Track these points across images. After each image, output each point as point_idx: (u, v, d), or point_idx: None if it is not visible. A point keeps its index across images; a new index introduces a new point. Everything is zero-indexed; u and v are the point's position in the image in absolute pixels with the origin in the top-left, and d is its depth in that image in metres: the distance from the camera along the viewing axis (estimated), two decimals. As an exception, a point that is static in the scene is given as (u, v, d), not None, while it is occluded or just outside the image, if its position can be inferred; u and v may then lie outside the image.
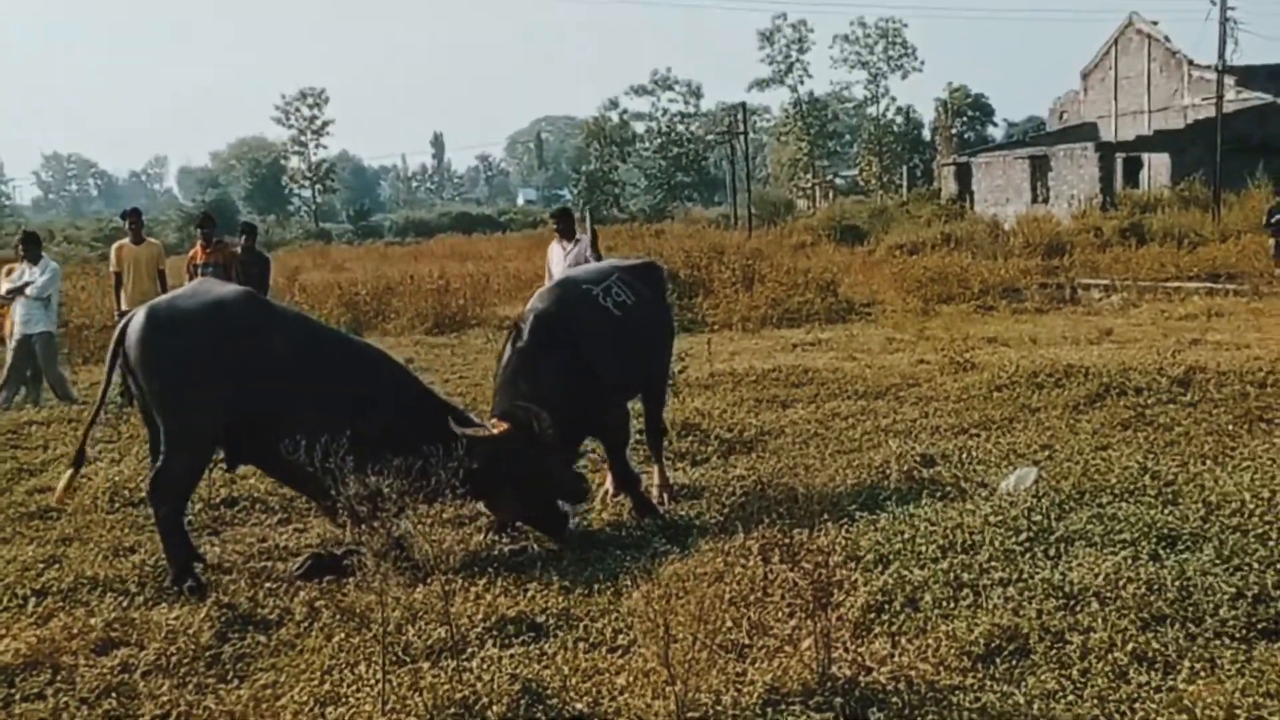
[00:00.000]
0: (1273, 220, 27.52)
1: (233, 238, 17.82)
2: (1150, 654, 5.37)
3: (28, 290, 14.53)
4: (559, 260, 13.56)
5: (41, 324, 14.60)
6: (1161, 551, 6.44)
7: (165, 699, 5.68)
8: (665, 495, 9.11)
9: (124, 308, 14.49)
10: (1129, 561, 6.29)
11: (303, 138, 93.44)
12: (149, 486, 7.49)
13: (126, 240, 15.18)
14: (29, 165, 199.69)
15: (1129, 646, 5.42)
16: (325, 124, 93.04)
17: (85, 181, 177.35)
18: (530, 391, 8.10)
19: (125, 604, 6.93)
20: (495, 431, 7.85)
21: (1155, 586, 5.96)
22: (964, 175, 54.02)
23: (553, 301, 8.73)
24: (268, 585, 7.32)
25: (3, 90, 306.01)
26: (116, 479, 9.69)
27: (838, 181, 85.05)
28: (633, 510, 8.72)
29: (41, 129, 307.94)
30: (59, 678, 5.90)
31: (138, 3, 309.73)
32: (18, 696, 5.70)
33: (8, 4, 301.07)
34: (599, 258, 13.43)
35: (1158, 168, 44.76)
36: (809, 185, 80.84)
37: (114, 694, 5.74)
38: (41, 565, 7.64)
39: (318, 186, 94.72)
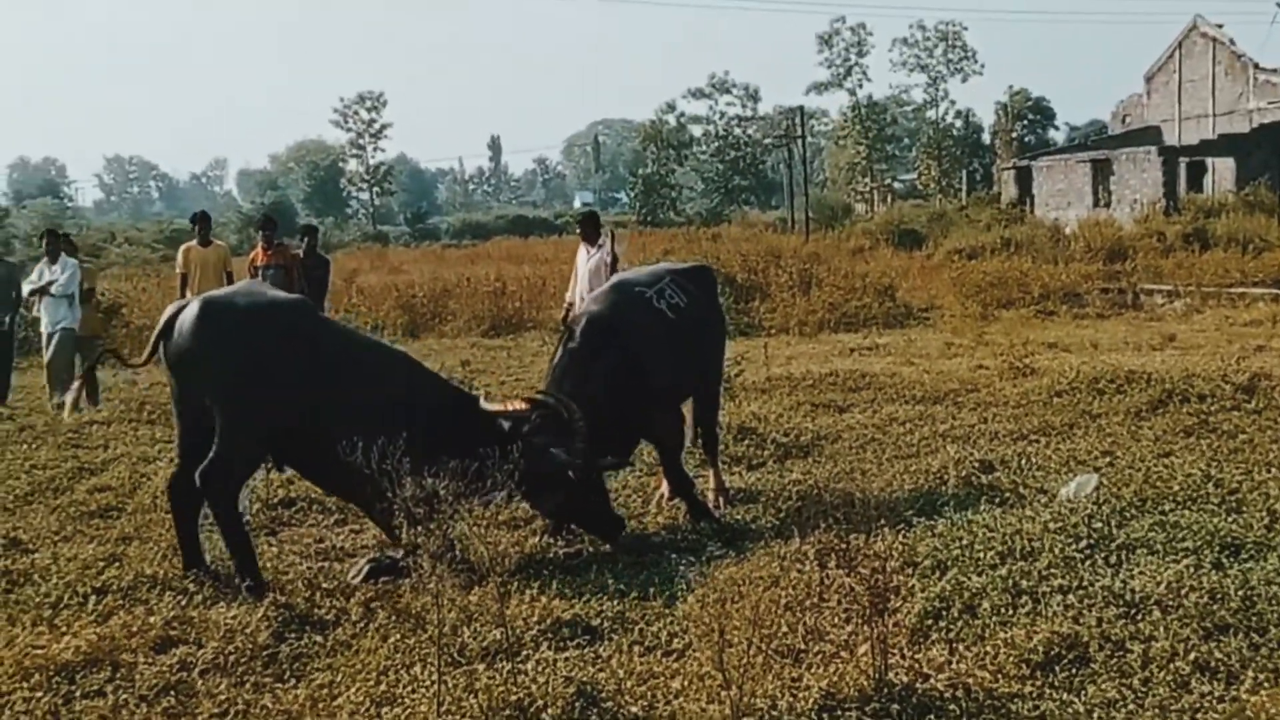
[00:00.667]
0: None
1: (293, 240, 17.95)
2: (1213, 663, 5.30)
3: (52, 289, 14.80)
4: (583, 263, 13.49)
5: (67, 320, 14.90)
6: (1225, 560, 6.36)
7: (223, 697, 5.72)
8: (721, 500, 9.09)
9: None
10: (1191, 570, 6.21)
11: (361, 140, 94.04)
12: (201, 480, 7.47)
13: (194, 242, 15.46)
14: (91, 168, 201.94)
15: (1191, 656, 5.34)
16: (383, 127, 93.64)
17: (146, 184, 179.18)
18: (575, 392, 8.09)
19: (184, 603, 6.98)
20: (514, 407, 7.90)
21: (1218, 595, 5.88)
22: (1024, 179, 53.56)
23: (606, 304, 8.75)
24: (324, 586, 7.35)
25: (66, 93, 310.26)
26: (176, 479, 9.76)
27: (896, 185, 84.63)
28: (687, 515, 8.70)
29: (103, 132, 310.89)
30: (118, 675, 5.94)
31: (198, 5, 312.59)
32: (78, 694, 5.75)
33: (67, 6, 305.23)
34: (615, 262, 13.44)
35: (1222, 172, 44.20)
36: (867, 189, 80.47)
37: (172, 692, 5.78)
38: (102, 563, 7.71)
39: (375, 189, 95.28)
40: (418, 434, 7.27)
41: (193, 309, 7.50)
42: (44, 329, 15.11)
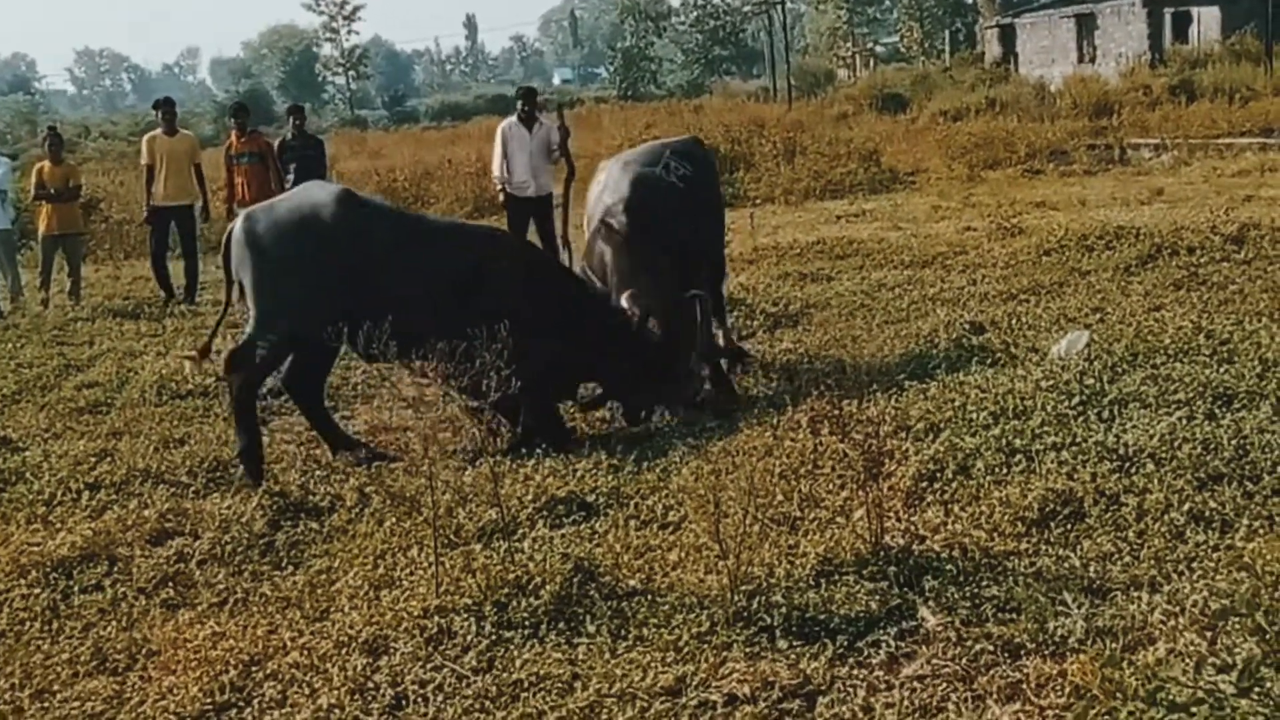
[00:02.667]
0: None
1: (266, 128, 17.65)
2: (1207, 513, 5.30)
3: None
4: (522, 144, 13.26)
5: (3, 220, 14.64)
6: (1217, 410, 6.35)
7: (221, 587, 5.74)
8: (740, 360, 9.34)
9: (157, 202, 14.42)
10: (1184, 422, 6.20)
11: (334, 24, 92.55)
12: (224, 360, 7.58)
13: (159, 131, 14.74)
14: (62, 62, 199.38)
15: (1185, 506, 5.35)
16: (356, 9, 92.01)
17: (118, 76, 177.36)
18: (652, 285, 8.08)
19: (178, 495, 6.99)
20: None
21: (1211, 446, 5.87)
22: (1008, 37, 52.95)
23: (634, 191, 8.62)
24: (318, 473, 7.35)
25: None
26: (164, 372, 9.75)
27: (878, 49, 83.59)
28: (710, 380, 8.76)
29: (73, 25, 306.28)
30: (116, 569, 5.96)
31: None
32: (76, 588, 5.77)
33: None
34: (565, 150, 13.39)
35: (1208, 22, 43.69)
36: (849, 54, 79.48)
37: (171, 583, 5.80)
38: (93, 459, 7.69)
39: (351, 73, 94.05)
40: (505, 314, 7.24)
41: (237, 223, 7.63)
42: None
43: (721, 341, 9.38)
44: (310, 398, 8.04)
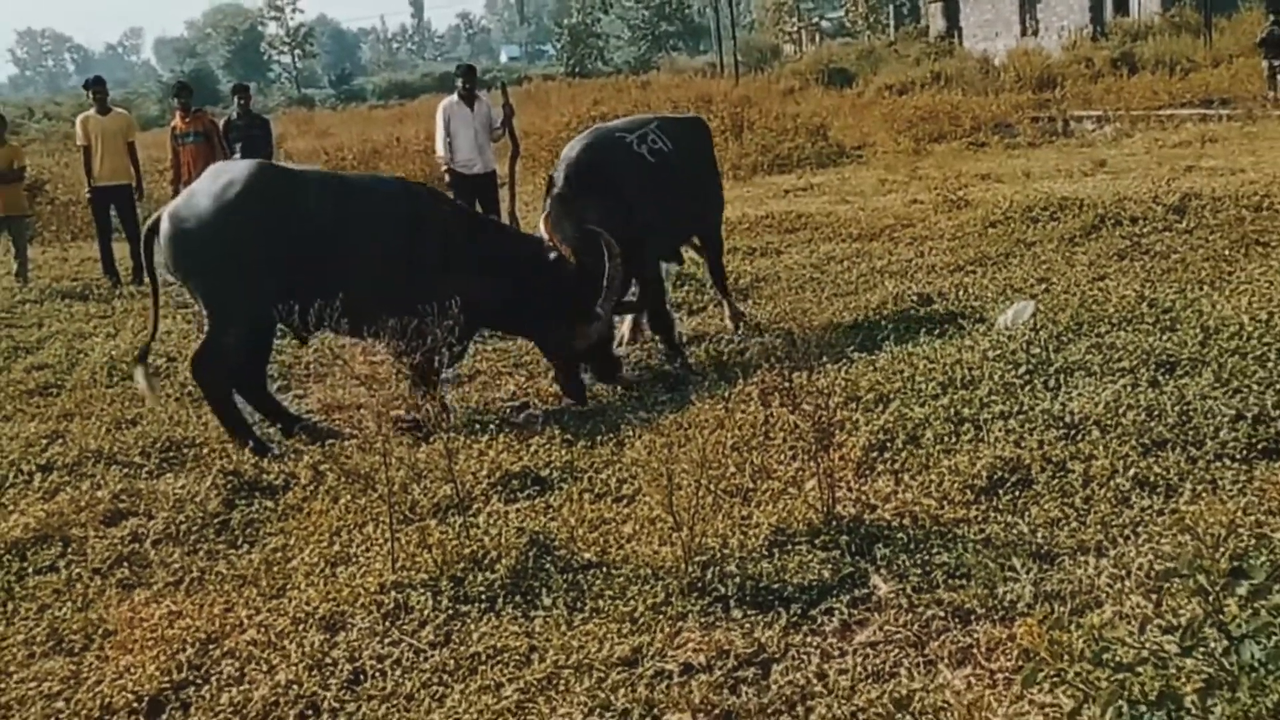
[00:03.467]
0: (1265, 42, 27.10)
1: (212, 108, 17.52)
2: (1152, 478, 5.40)
3: None
4: (464, 122, 13.28)
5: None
6: (1161, 378, 6.44)
7: (177, 566, 5.74)
8: (739, 324, 9.55)
9: (96, 183, 14.31)
10: (1129, 389, 6.30)
11: (279, 2, 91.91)
12: (191, 363, 7.55)
13: (92, 111, 14.63)
14: (3, 43, 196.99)
15: (1131, 472, 5.44)
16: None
17: (61, 57, 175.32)
18: (575, 236, 8.18)
19: (131, 475, 6.97)
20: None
21: (1155, 412, 5.97)
22: (952, 11, 53.08)
23: (584, 149, 8.77)
24: (273, 451, 7.34)
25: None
26: (114, 353, 9.70)
27: (824, 24, 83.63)
28: (664, 352, 8.92)
29: (13, 5, 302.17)
30: (70, 550, 5.96)
31: None
32: (30, 570, 5.76)
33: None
34: (510, 128, 13.47)
35: (1148, -6, 44.06)
36: (795, 29, 79.56)
37: (126, 563, 5.80)
38: (45, 441, 7.66)
39: (297, 52, 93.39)
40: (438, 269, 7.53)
41: (162, 220, 7.40)
42: None
43: (727, 312, 9.73)
44: (254, 382, 7.88)
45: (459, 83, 13.48)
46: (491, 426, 7.42)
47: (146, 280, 8.41)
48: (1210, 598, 3.20)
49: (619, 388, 8.26)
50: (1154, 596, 4.34)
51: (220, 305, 7.38)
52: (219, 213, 7.25)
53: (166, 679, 4.59)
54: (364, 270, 7.46)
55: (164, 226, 7.34)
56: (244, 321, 7.36)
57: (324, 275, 7.19)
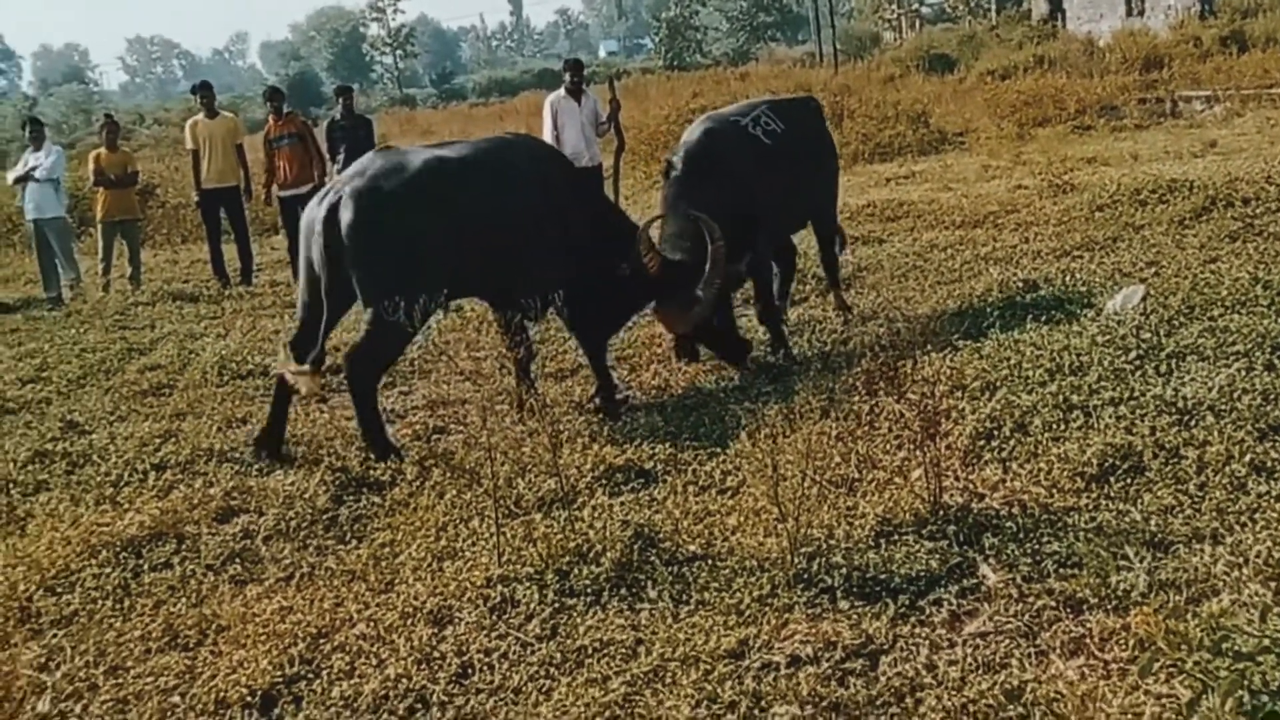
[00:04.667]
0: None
1: (316, 110, 17.68)
2: (1269, 464, 5.28)
3: (36, 173, 14.61)
4: (572, 116, 13.30)
5: (55, 208, 14.75)
6: (1276, 361, 6.31)
7: (287, 561, 5.81)
8: (845, 314, 9.54)
9: (204, 185, 14.54)
10: (1243, 373, 6.17)
11: (380, 3, 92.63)
12: (347, 359, 7.28)
13: (200, 116, 14.84)
14: (114, 51, 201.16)
15: (1246, 458, 5.33)
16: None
17: (170, 63, 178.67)
18: (686, 219, 8.30)
19: (242, 473, 7.08)
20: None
21: (1271, 396, 5.84)
22: (1055, -7, 52.42)
23: (701, 133, 8.83)
24: (403, 457, 7.37)
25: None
26: (224, 353, 9.85)
27: (924, 10, 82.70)
28: (769, 343, 8.83)
29: (123, 13, 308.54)
30: (184, 547, 6.04)
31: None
32: (146, 567, 5.85)
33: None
34: (616, 123, 13.51)
35: (1258, -30, 43.07)
36: (894, 16, 78.71)
37: (238, 559, 5.87)
38: (158, 440, 7.80)
39: (398, 52, 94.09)
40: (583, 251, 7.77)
41: (345, 202, 7.00)
42: (29, 216, 14.97)
43: (833, 299, 9.77)
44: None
45: (566, 77, 13.51)
46: (596, 419, 7.44)
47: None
48: (1332, 585, 3.13)
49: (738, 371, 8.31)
50: (1273, 584, 4.24)
51: (397, 294, 6.69)
52: (407, 194, 7.10)
53: (279, 673, 4.65)
54: (517, 242, 7.53)
55: (349, 213, 6.95)
56: (415, 313, 7.08)
57: (482, 258, 7.33)
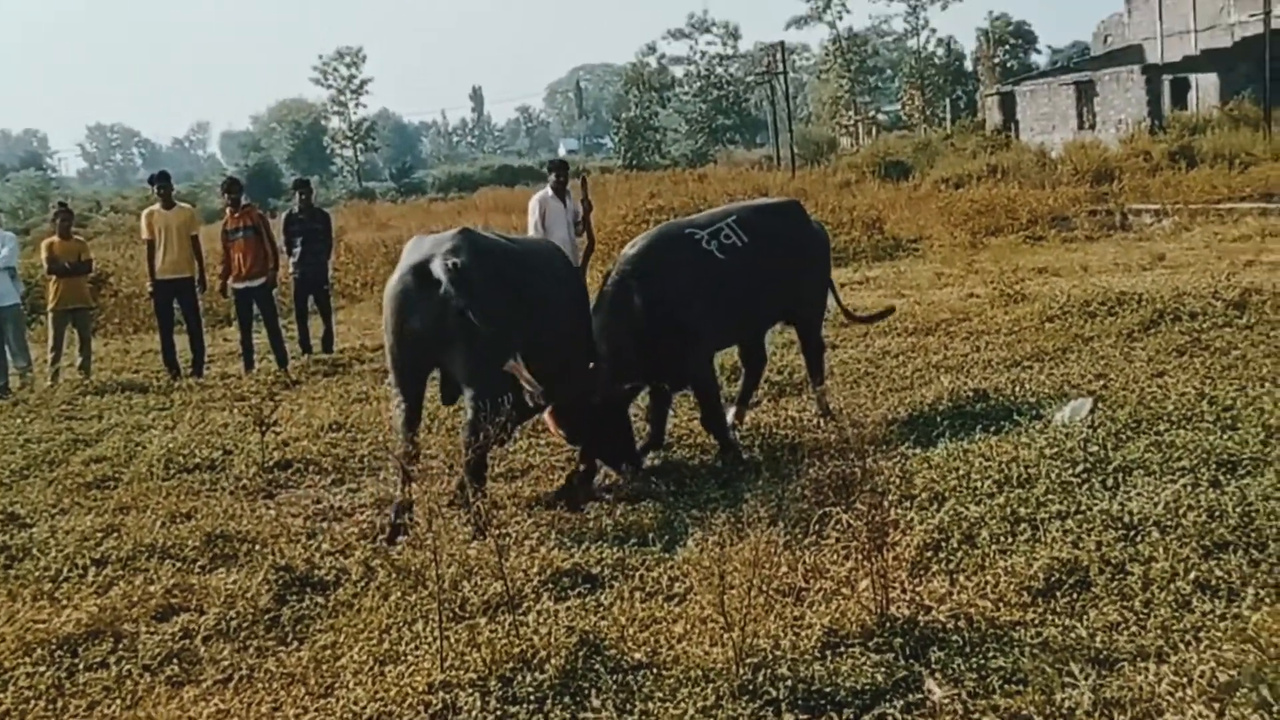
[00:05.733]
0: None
1: (275, 201, 17.71)
2: (1213, 582, 5.29)
3: None
4: (558, 216, 13.37)
5: (10, 296, 14.48)
6: (1222, 478, 6.35)
7: (226, 663, 5.71)
8: (824, 420, 9.15)
9: (159, 275, 14.47)
10: (1189, 489, 6.21)
11: (342, 97, 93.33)
12: (468, 445, 7.18)
13: (157, 206, 14.76)
14: (73, 137, 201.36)
15: (1191, 575, 5.34)
16: (364, 82, 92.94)
17: (129, 151, 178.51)
18: (603, 326, 8.49)
19: (184, 570, 6.98)
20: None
21: (1216, 513, 5.87)
22: (1008, 105, 53.28)
23: (643, 245, 8.92)
24: (324, 546, 7.33)
25: (43, 63, 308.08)
26: (171, 446, 9.76)
27: (880, 117, 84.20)
28: (718, 451, 8.83)
29: (83, 100, 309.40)
30: (121, 646, 5.94)
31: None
32: (81, 666, 5.74)
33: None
34: (587, 224, 13.65)
35: (1206, 88, 43.96)
36: (851, 122, 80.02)
37: (176, 660, 5.77)
38: (100, 534, 7.68)
39: (359, 146, 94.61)
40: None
41: (442, 272, 7.30)
42: None
43: (817, 404, 9.65)
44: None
45: (552, 176, 13.69)
46: (544, 521, 7.40)
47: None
48: (1274, 710, 3.13)
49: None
50: (1216, 705, 4.23)
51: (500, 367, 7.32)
52: (524, 274, 7.80)
53: (213, 779, 4.56)
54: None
55: (479, 269, 7.40)
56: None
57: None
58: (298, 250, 14.85)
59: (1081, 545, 5.76)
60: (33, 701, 5.38)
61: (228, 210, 14.88)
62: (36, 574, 6.98)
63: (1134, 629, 5.01)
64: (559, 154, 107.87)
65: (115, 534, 7.71)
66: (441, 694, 5.04)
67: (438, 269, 7.30)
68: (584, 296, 8.74)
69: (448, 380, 7.88)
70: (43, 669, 5.67)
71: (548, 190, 13.60)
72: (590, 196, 13.65)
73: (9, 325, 14.54)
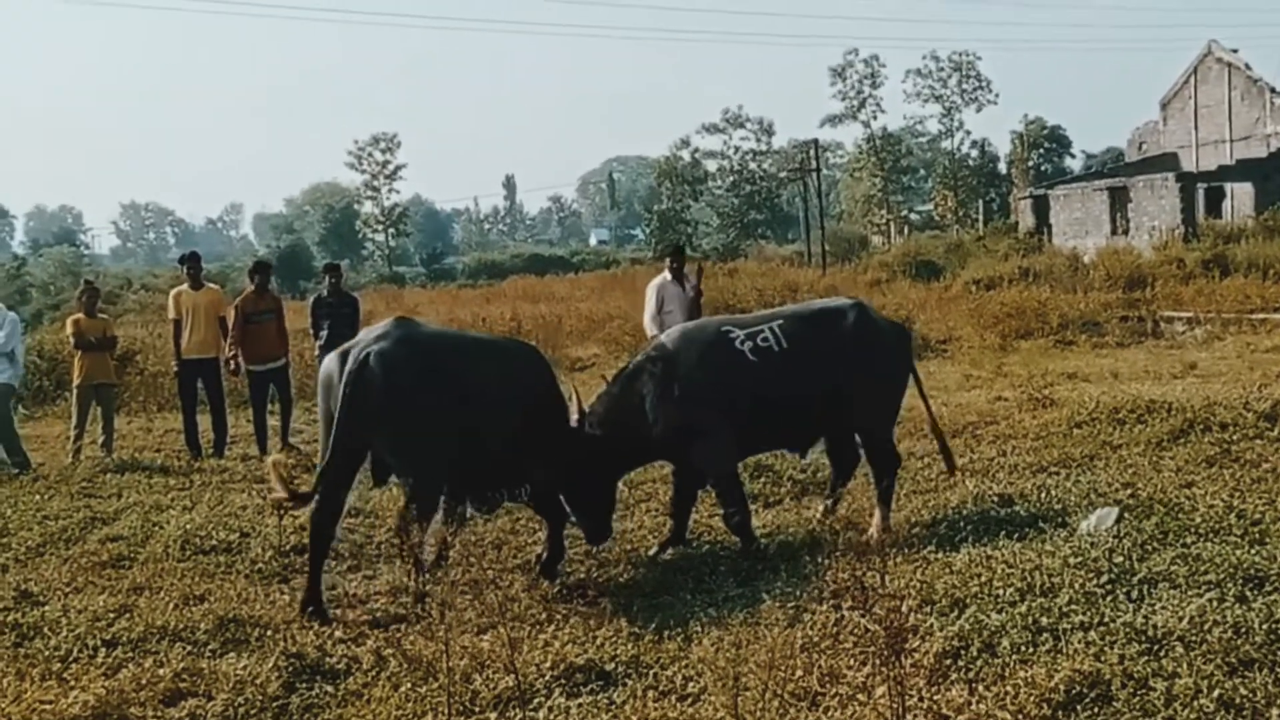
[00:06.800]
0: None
1: (305, 283, 17.81)
2: (1238, 700, 5.18)
3: None
4: (678, 301, 13.46)
5: (5, 375, 13.85)
6: (1249, 593, 6.23)
7: (232, 752, 5.65)
8: (876, 534, 8.41)
9: (184, 355, 14.54)
10: (1215, 604, 6.09)
11: (375, 182, 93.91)
12: (400, 524, 7.93)
13: (185, 286, 14.91)
14: (108, 215, 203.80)
15: (1215, 693, 5.22)
16: (398, 168, 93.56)
17: (162, 230, 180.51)
18: (614, 403, 8.83)
19: (195, 654, 6.92)
20: None
21: (1242, 630, 5.76)
22: (1041, 208, 53.45)
23: (676, 334, 9.10)
24: (336, 634, 7.27)
25: (81, 141, 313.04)
26: (188, 527, 9.73)
27: (912, 217, 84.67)
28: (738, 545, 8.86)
29: (119, 179, 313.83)
30: (127, 730, 5.88)
31: (212, 50, 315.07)
32: (85, 749, 5.68)
33: (83, 56, 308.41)
34: (699, 296, 13.76)
35: (1241, 197, 44.09)
36: (883, 221, 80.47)
37: (181, 746, 5.71)
38: (112, 615, 7.64)
39: (391, 230, 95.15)
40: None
41: (371, 361, 7.75)
42: None
43: (874, 527, 8.77)
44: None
45: (669, 262, 13.94)
46: (559, 614, 7.33)
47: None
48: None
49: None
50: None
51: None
52: (464, 366, 8.29)
53: None
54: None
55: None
56: None
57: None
58: (324, 333, 14.92)
59: (1104, 658, 5.65)
60: (33, 785, 5.32)
61: (251, 292, 15.00)
62: (46, 653, 6.92)
63: (1156, 747, 4.89)
64: (590, 244, 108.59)
65: (128, 615, 7.67)
66: (446, 790, 4.96)
67: (349, 359, 7.77)
68: (554, 391, 8.85)
69: (377, 463, 8.23)
70: (46, 751, 5.61)
71: (666, 275, 13.74)
72: (701, 284, 13.79)
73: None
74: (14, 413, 14.79)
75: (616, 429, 8.75)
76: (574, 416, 8.77)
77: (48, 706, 6.06)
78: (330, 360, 8.07)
